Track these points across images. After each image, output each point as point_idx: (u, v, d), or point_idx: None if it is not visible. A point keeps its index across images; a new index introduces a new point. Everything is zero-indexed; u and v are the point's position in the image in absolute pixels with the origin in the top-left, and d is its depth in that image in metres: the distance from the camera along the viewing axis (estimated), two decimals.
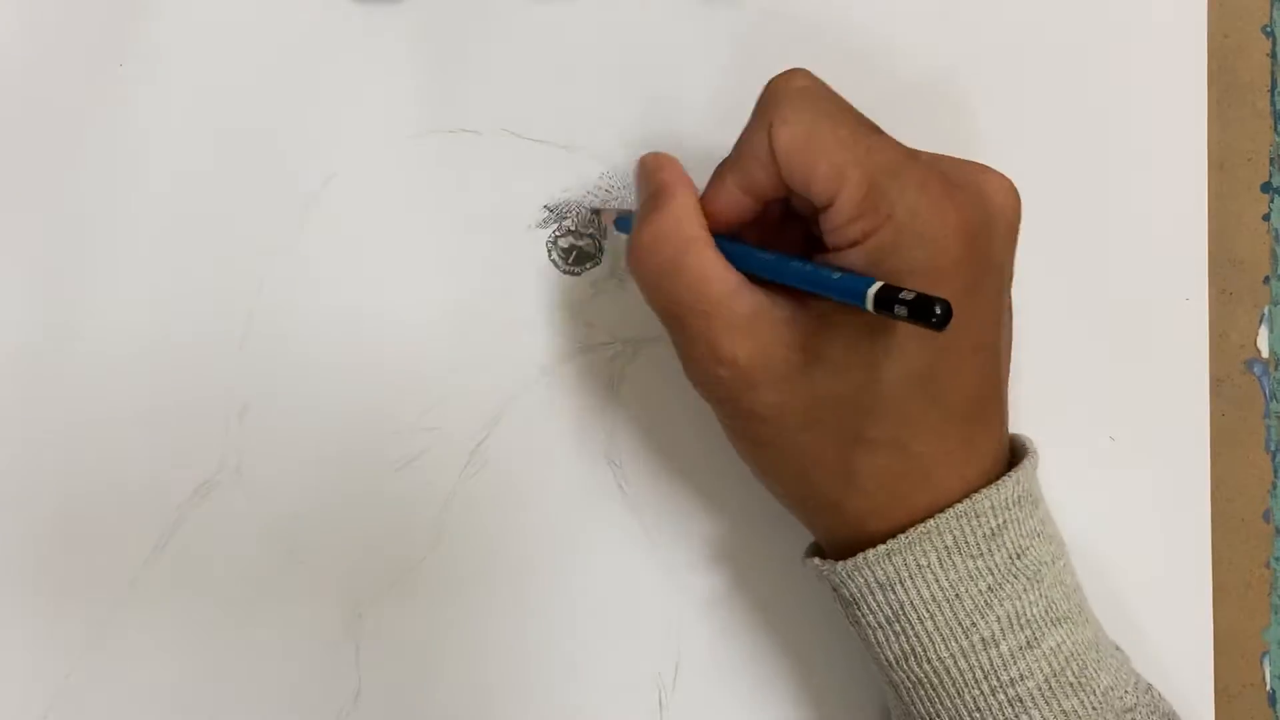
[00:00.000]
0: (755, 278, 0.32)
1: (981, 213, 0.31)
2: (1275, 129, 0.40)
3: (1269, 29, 0.40)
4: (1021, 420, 0.35)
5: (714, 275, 0.31)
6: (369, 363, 0.38)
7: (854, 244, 0.30)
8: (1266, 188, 0.40)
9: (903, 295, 0.28)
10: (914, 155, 0.31)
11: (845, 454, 0.31)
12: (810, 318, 0.31)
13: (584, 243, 0.38)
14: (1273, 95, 0.40)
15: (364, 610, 0.38)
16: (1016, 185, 0.32)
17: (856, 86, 0.39)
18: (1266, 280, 0.40)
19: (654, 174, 0.33)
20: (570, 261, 0.39)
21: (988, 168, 0.32)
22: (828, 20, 0.39)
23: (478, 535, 0.38)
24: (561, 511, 0.38)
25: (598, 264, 0.39)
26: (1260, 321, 0.40)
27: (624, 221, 0.37)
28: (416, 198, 0.39)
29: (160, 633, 0.38)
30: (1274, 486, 0.40)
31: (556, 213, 0.39)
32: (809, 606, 0.38)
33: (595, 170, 0.39)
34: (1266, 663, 0.39)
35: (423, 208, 0.39)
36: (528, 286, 0.38)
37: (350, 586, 0.38)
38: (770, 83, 0.32)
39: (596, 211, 0.39)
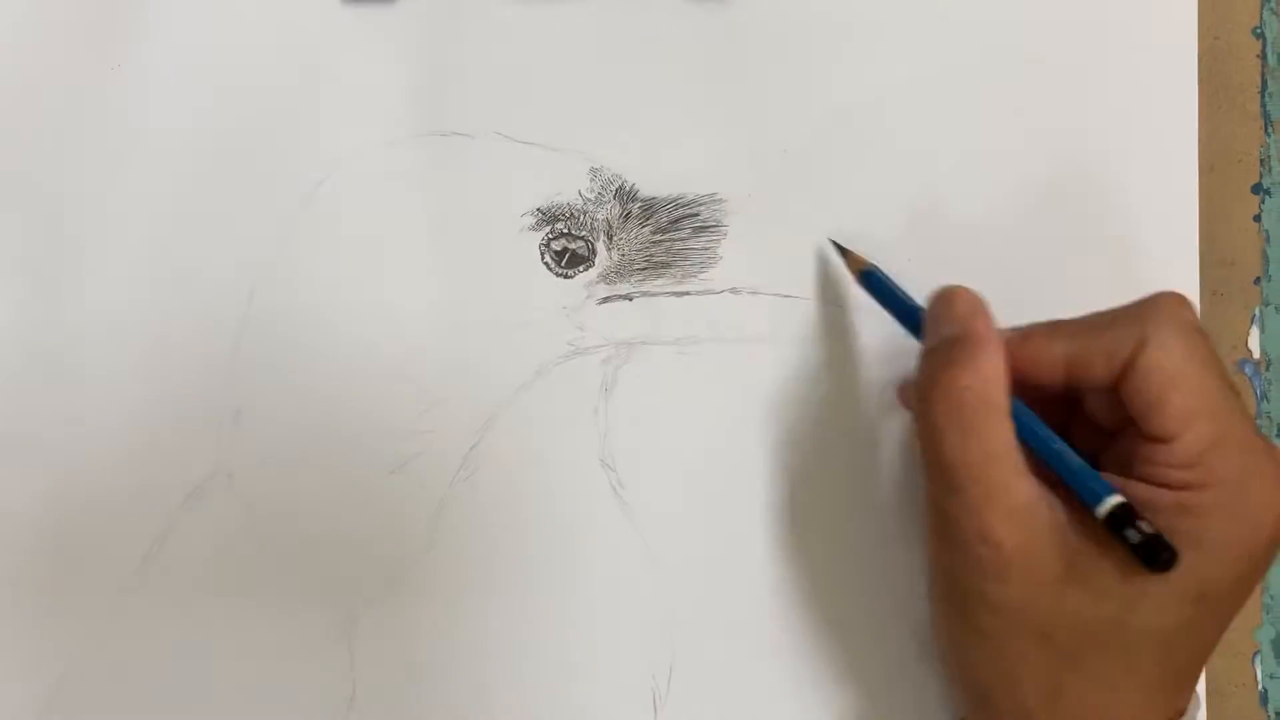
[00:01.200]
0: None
1: None
2: (1266, 130, 0.40)
3: (1259, 30, 0.40)
4: None
5: (1009, 453, 0.31)
6: (362, 366, 0.38)
7: (1166, 486, 0.30)
8: (1257, 189, 0.40)
9: (1141, 525, 0.29)
10: (1263, 438, 0.31)
11: (1061, 675, 0.31)
12: (1081, 532, 0.31)
13: (577, 245, 0.38)
14: (1263, 97, 0.40)
15: (358, 614, 0.38)
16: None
17: (846, 87, 0.39)
18: (1257, 281, 0.40)
19: (967, 318, 0.32)
20: (563, 264, 0.39)
21: None
22: (817, 20, 0.39)
23: (472, 538, 0.38)
24: (555, 514, 0.38)
25: (591, 266, 0.39)
26: (1251, 322, 0.40)
27: (875, 281, 0.36)
28: (408, 201, 0.38)
29: (154, 638, 0.37)
30: None
31: (549, 215, 0.39)
32: (804, 608, 0.38)
33: (586, 173, 0.39)
34: (1258, 663, 0.39)
35: (415, 211, 0.39)
36: (520, 289, 0.38)
37: (344, 590, 0.38)
38: (1160, 298, 0.32)
39: (844, 251, 0.38)
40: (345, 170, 0.38)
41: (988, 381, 0.31)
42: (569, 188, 0.39)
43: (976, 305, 0.33)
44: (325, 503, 0.38)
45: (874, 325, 0.38)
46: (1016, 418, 0.32)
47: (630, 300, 0.38)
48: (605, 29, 0.39)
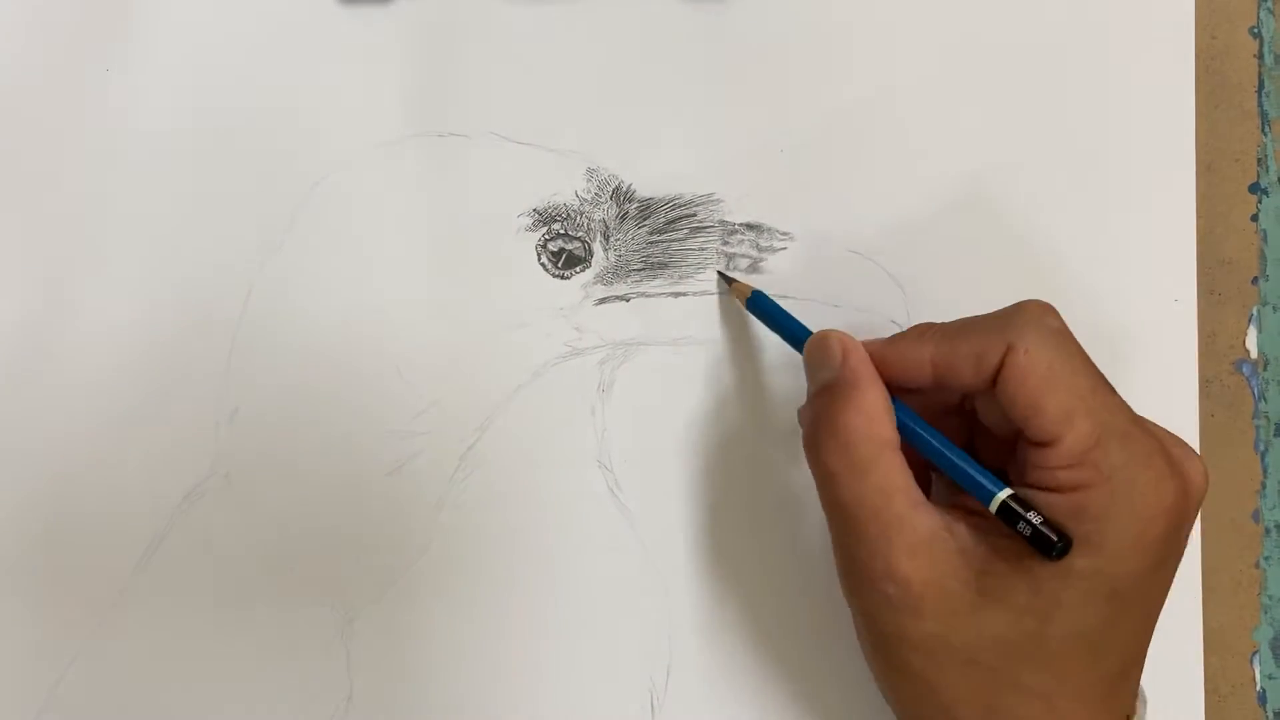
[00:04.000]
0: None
1: (1187, 498, 0.31)
2: (1263, 130, 0.40)
3: (1256, 30, 0.40)
4: None
5: (904, 487, 0.31)
6: (358, 367, 0.38)
7: (1057, 490, 0.30)
8: (1255, 188, 0.40)
9: (1030, 516, 0.30)
10: (1140, 424, 0.31)
11: (994, 696, 0.31)
12: (987, 553, 0.31)
13: (573, 246, 0.38)
14: (1260, 96, 0.40)
15: (355, 614, 0.38)
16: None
17: (843, 87, 0.39)
18: (1255, 281, 0.40)
19: (842, 359, 0.33)
20: (560, 265, 0.39)
21: (1190, 449, 0.32)
22: (814, 21, 0.39)
23: (469, 539, 0.38)
24: (552, 515, 0.38)
25: (587, 267, 0.39)
26: (1249, 322, 0.40)
27: (762, 302, 0.36)
28: (405, 202, 0.39)
29: (151, 639, 0.37)
30: (1263, 487, 0.40)
31: (545, 216, 0.38)
32: (801, 610, 0.38)
33: (583, 173, 0.39)
34: (1256, 662, 0.39)
35: (411, 211, 0.39)
36: (517, 290, 0.38)
37: (341, 591, 0.38)
38: (1023, 305, 0.32)
39: (726, 277, 0.38)
40: (341, 171, 0.38)
41: (871, 419, 0.32)
42: (566, 188, 0.39)
43: (849, 346, 0.33)
44: (322, 503, 0.38)
45: (871, 326, 0.38)
46: (905, 424, 0.32)
47: (627, 301, 0.38)
48: (602, 29, 0.39)
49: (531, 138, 0.39)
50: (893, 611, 0.31)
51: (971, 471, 0.31)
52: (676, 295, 0.38)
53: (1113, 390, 0.32)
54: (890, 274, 0.38)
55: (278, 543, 0.38)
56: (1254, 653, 0.39)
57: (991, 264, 0.39)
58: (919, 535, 0.31)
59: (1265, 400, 0.40)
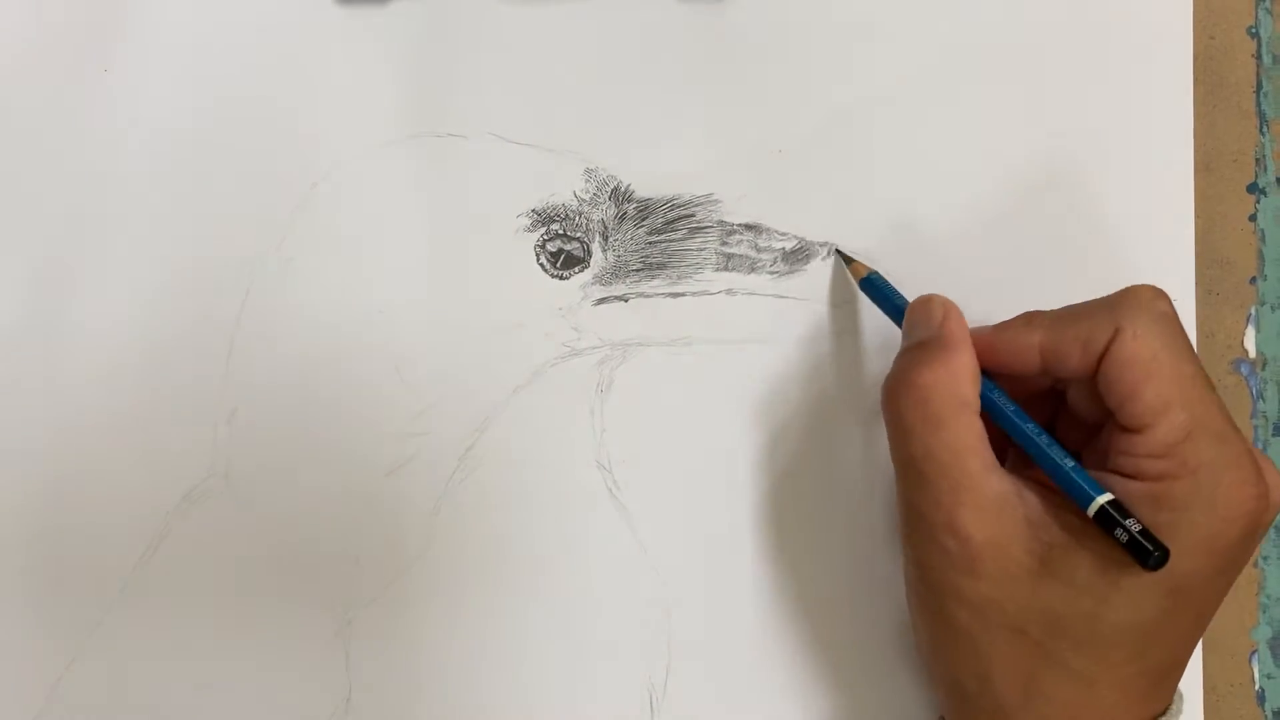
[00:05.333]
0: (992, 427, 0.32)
1: (1267, 507, 0.31)
2: (1261, 129, 0.40)
3: (1254, 30, 0.40)
4: None
5: (977, 448, 0.31)
6: (357, 367, 0.38)
7: (1140, 478, 0.30)
8: (1253, 188, 0.40)
9: (1129, 523, 0.29)
10: (1236, 429, 0.31)
11: (1036, 670, 0.31)
12: (1054, 527, 0.31)
13: (572, 246, 0.38)
14: (1258, 96, 0.40)
15: (354, 615, 0.38)
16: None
17: (842, 88, 0.39)
18: (1253, 280, 0.40)
19: (941, 320, 0.33)
20: (558, 265, 0.38)
21: (1271, 462, 0.32)
22: (812, 21, 0.39)
23: (468, 540, 0.38)
24: (551, 516, 0.38)
25: (586, 267, 0.39)
26: (1247, 322, 0.40)
27: (876, 281, 0.37)
28: (403, 202, 0.38)
29: (150, 639, 0.37)
30: None
31: (544, 216, 0.38)
32: (800, 611, 0.38)
33: (581, 173, 0.39)
34: (1255, 662, 0.39)
35: (410, 212, 0.39)
36: (515, 290, 0.38)
37: (340, 591, 0.38)
38: (1135, 289, 0.32)
39: (846, 259, 0.38)
40: (340, 171, 0.38)
41: (955, 377, 0.32)
42: (564, 189, 0.39)
43: (949, 309, 0.33)
44: (321, 504, 0.38)
45: (869, 326, 0.38)
46: (1004, 414, 0.32)
47: (626, 301, 0.38)
48: (600, 29, 0.39)
49: (530, 138, 0.39)
50: (949, 566, 0.31)
51: (1072, 474, 0.31)
52: (675, 295, 0.38)
53: (1211, 386, 0.31)
54: (889, 274, 0.38)
55: (276, 543, 0.38)
56: (1253, 652, 0.39)
57: (990, 264, 0.39)
58: (987, 496, 0.31)
59: (1263, 400, 0.40)
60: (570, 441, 0.38)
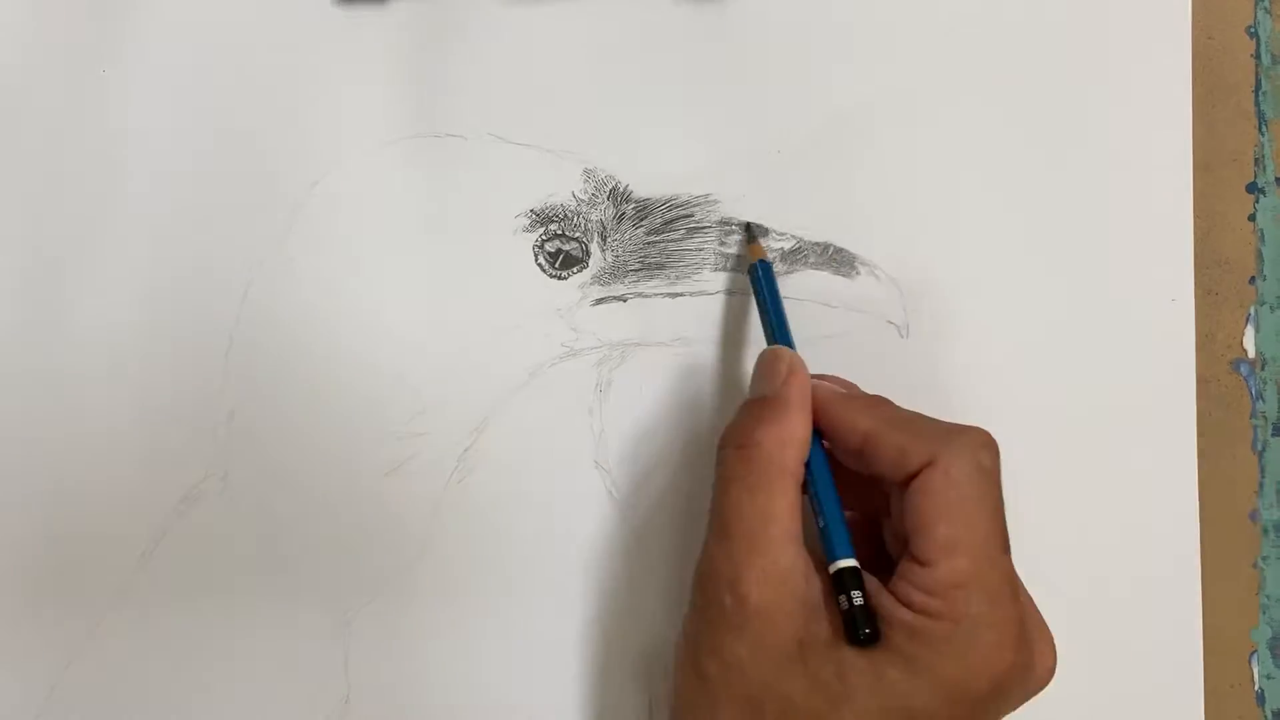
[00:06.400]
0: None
1: (1024, 676, 0.31)
2: (1260, 129, 0.40)
3: (1253, 30, 0.40)
4: (1007, 420, 0.35)
5: (782, 517, 0.31)
6: (356, 368, 0.38)
7: (908, 606, 0.30)
8: (1252, 188, 0.40)
9: (855, 595, 0.31)
10: (1016, 595, 0.31)
11: None
12: (825, 621, 0.31)
13: (570, 246, 0.38)
14: (1257, 96, 0.40)
15: (352, 616, 0.38)
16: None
17: (840, 88, 0.39)
18: (1252, 280, 0.40)
19: (784, 379, 0.33)
20: (557, 265, 0.39)
21: (1050, 643, 0.32)
22: (811, 22, 0.39)
23: (465, 540, 0.38)
24: (550, 516, 0.38)
25: (585, 268, 0.39)
26: (1246, 322, 0.40)
27: (764, 274, 0.37)
28: (402, 202, 0.39)
29: (150, 639, 0.37)
30: (1261, 486, 0.40)
31: (543, 217, 0.39)
32: None
33: (580, 174, 0.39)
34: (1255, 662, 0.39)
35: (408, 212, 0.39)
36: (514, 291, 0.38)
37: (338, 592, 0.38)
38: (969, 432, 0.32)
39: (754, 231, 0.38)
40: (339, 172, 0.38)
41: (784, 445, 0.32)
42: (563, 189, 0.39)
43: (794, 368, 0.34)
44: (320, 504, 0.38)
45: (867, 326, 0.38)
46: (813, 461, 0.33)
47: (624, 302, 0.38)
48: (599, 30, 0.39)
49: (528, 138, 0.39)
50: (719, 621, 0.31)
51: (834, 530, 0.32)
52: (674, 296, 0.38)
53: (1006, 552, 0.32)
54: (887, 274, 0.38)
55: (275, 544, 0.38)
56: (1252, 652, 0.39)
57: (988, 264, 0.39)
58: (777, 567, 0.31)
59: (1263, 400, 0.40)
60: (569, 442, 0.38)
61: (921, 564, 0.31)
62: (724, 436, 0.33)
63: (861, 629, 0.30)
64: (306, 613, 0.38)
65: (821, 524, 0.32)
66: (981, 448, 0.32)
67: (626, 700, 0.38)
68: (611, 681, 0.38)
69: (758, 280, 0.37)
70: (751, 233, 0.38)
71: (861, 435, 0.32)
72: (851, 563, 0.31)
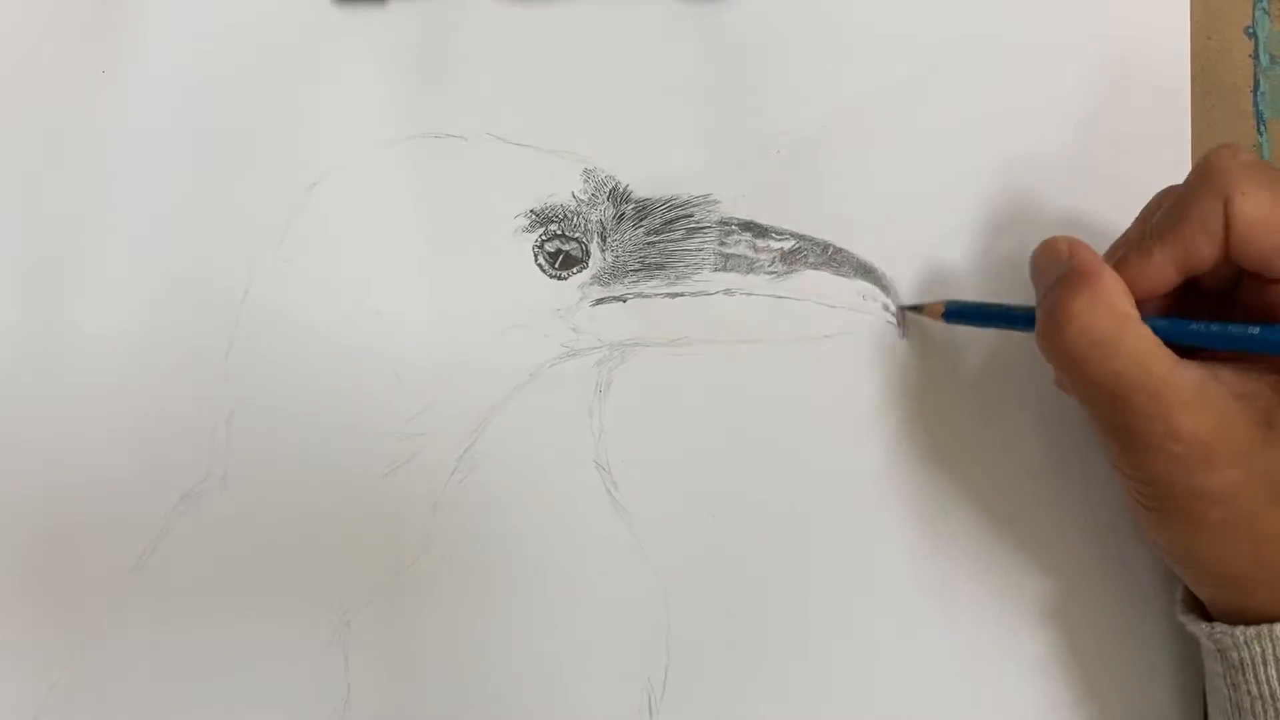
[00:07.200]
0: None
1: None
2: (1259, 130, 0.40)
3: (1252, 30, 0.40)
4: (1007, 419, 0.35)
5: (1157, 352, 0.31)
6: (355, 368, 0.38)
7: None
8: None
9: None
10: None
11: None
12: (1264, 390, 0.31)
13: (570, 247, 0.38)
14: (1256, 96, 0.40)
15: (352, 617, 0.38)
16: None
17: (840, 88, 0.39)
18: None
19: (1071, 255, 0.33)
20: (557, 265, 0.39)
21: None
22: (811, 22, 0.39)
23: (465, 540, 0.38)
24: (550, 516, 0.38)
25: (584, 268, 0.39)
26: None
27: (959, 310, 0.37)
28: (402, 203, 0.39)
29: (149, 639, 0.37)
30: None
31: (542, 217, 0.39)
32: (799, 609, 0.38)
33: (580, 174, 0.39)
34: None
35: (408, 213, 0.39)
36: (514, 291, 0.38)
37: (338, 593, 0.38)
38: (1212, 156, 0.32)
39: (917, 309, 0.38)
40: (339, 172, 0.39)
41: (1109, 295, 0.31)
42: (562, 189, 0.39)
43: (1074, 243, 0.33)
44: (319, 505, 0.38)
45: (867, 326, 0.38)
46: (1165, 328, 0.32)
47: (624, 302, 0.38)
48: (598, 30, 0.39)
49: (528, 139, 0.39)
50: (1184, 470, 0.31)
51: (1265, 334, 0.31)
52: (674, 296, 0.39)
53: None
54: (886, 274, 0.38)
55: (275, 544, 0.38)
56: None
57: (988, 264, 0.39)
58: (1190, 390, 0.30)
59: None
60: (569, 442, 0.38)
61: None
62: (1046, 325, 0.32)
63: None
64: (306, 613, 0.38)
65: (1248, 345, 0.31)
66: (1234, 154, 0.31)
67: (627, 699, 0.38)
68: (613, 681, 0.38)
69: (964, 315, 0.37)
70: (915, 309, 0.38)
71: (1170, 264, 0.32)
72: None
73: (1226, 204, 0.31)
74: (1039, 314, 0.33)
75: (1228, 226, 0.31)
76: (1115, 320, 0.31)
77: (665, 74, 0.39)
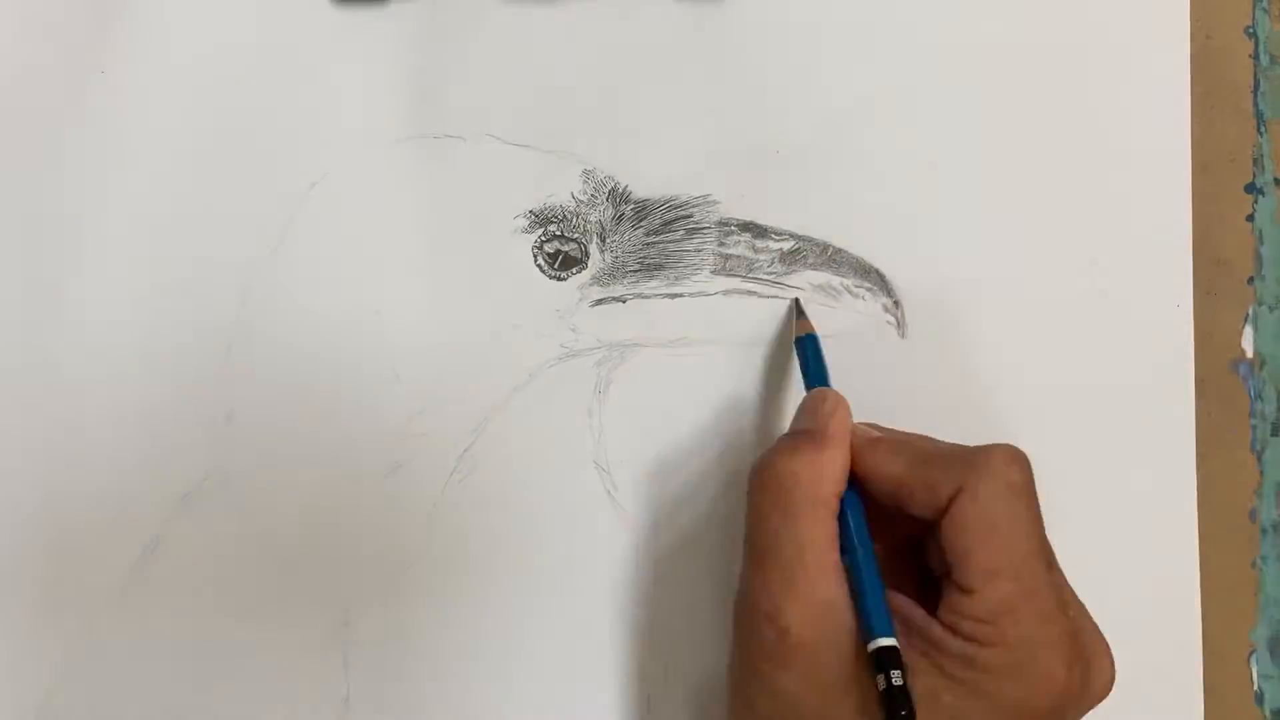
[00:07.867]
0: None
1: (1083, 692, 0.31)
2: (1259, 129, 0.40)
3: (1251, 30, 0.40)
4: (1005, 421, 0.35)
5: (820, 547, 0.31)
6: (355, 368, 0.38)
7: (958, 635, 0.30)
8: (1250, 188, 0.40)
9: (893, 677, 0.29)
10: (1064, 606, 0.31)
11: None
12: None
13: (569, 247, 0.38)
14: (1255, 96, 0.40)
15: (353, 616, 0.38)
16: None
17: (839, 88, 0.39)
18: (1250, 281, 0.40)
19: (828, 415, 0.33)
20: (556, 266, 0.39)
21: (1106, 648, 0.32)
22: (810, 22, 0.39)
23: (465, 541, 0.38)
24: (549, 517, 0.38)
25: (584, 268, 0.39)
26: (1245, 322, 0.40)
27: (809, 346, 0.37)
28: (401, 203, 0.39)
29: (148, 640, 0.37)
30: (1260, 486, 0.40)
31: (541, 217, 0.39)
32: None
33: (579, 174, 0.39)
34: (1254, 663, 0.39)
35: (407, 213, 0.39)
36: (513, 291, 0.38)
37: (339, 593, 0.38)
38: (991, 451, 0.32)
39: (800, 309, 0.38)
40: (338, 172, 0.38)
41: (820, 474, 0.32)
42: (561, 190, 0.39)
43: (839, 406, 0.34)
44: (319, 505, 0.38)
45: (867, 326, 0.38)
46: (845, 524, 0.32)
47: (623, 302, 0.39)
48: (597, 30, 0.39)
49: (527, 139, 0.39)
50: (764, 654, 0.31)
51: (872, 606, 0.31)
52: (673, 296, 0.39)
53: (1050, 566, 0.32)
54: (885, 275, 0.38)
55: (274, 544, 0.38)
56: (1251, 653, 0.39)
57: (987, 264, 0.39)
58: (816, 596, 0.31)
59: (1261, 400, 0.40)
60: (568, 443, 0.38)
61: (966, 592, 0.30)
62: (759, 467, 0.33)
63: (900, 711, 0.29)
64: (306, 613, 0.38)
65: (860, 600, 0.31)
66: (1008, 465, 0.32)
67: (626, 699, 0.38)
68: (612, 682, 0.38)
69: (804, 353, 0.37)
70: (799, 309, 0.38)
71: (894, 481, 0.32)
72: (890, 642, 0.30)
73: (959, 491, 0.31)
74: (770, 449, 0.33)
75: (948, 507, 0.31)
76: (808, 499, 0.32)
77: (665, 74, 0.39)
